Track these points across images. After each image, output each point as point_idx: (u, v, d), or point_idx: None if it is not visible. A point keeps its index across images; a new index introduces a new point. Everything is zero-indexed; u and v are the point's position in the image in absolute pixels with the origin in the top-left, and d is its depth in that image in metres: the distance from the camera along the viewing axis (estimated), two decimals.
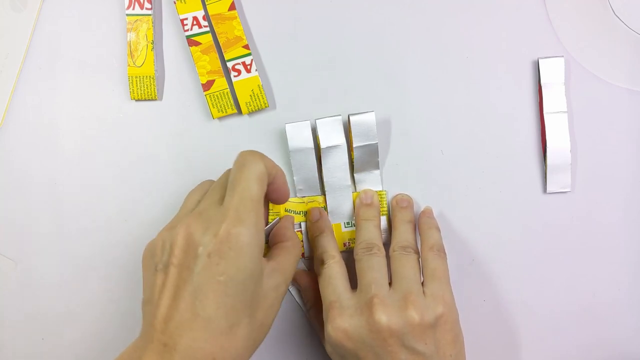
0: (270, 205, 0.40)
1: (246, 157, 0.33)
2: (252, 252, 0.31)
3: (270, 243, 0.37)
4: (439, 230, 0.39)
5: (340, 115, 0.40)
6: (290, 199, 0.40)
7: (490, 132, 0.42)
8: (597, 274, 0.41)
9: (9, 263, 0.41)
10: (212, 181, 0.37)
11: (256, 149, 0.41)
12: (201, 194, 0.35)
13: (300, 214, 0.40)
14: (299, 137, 0.40)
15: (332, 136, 0.40)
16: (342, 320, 0.33)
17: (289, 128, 0.40)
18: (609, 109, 0.42)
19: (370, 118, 0.39)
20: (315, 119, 0.40)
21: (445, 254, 0.37)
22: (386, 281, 0.35)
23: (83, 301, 0.40)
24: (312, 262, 0.39)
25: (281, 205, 0.40)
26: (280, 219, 0.38)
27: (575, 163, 0.42)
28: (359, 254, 0.37)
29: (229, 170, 0.35)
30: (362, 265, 0.36)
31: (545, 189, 0.42)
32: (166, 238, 0.32)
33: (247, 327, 0.31)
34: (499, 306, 0.41)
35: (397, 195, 0.41)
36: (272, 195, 0.35)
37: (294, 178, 0.40)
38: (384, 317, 0.33)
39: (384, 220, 0.41)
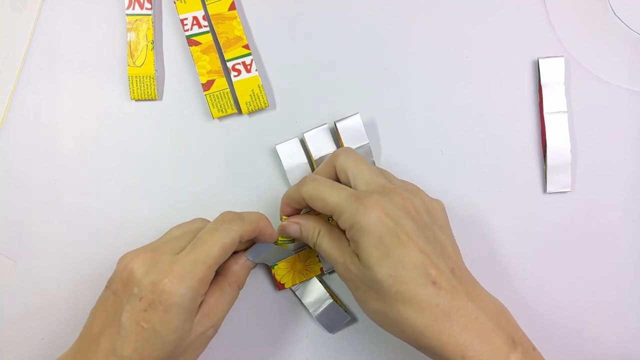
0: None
1: (224, 222, 0.33)
2: (181, 313, 0.31)
3: (222, 268, 0.36)
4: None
5: (326, 123, 0.40)
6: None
7: (490, 132, 0.42)
8: (597, 274, 0.41)
9: (9, 263, 0.41)
10: (205, 221, 0.37)
11: (256, 149, 0.41)
12: (182, 232, 0.35)
13: None
14: (291, 154, 0.40)
15: (322, 146, 0.40)
16: (376, 199, 0.31)
17: (279, 148, 0.40)
18: (609, 109, 0.42)
19: (356, 120, 0.39)
20: (303, 133, 0.40)
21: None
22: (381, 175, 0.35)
23: (83, 301, 0.40)
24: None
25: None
26: (254, 246, 0.36)
27: (575, 163, 0.42)
28: (311, 179, 0.34)
29: (205, 220, 0.36)
30: (353, 170, 0.34)
31: (545, 189, 0.42)
32: (126, 259, 0.33)
33: None
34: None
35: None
36: (259, 241, 0.36)
37: None
38: (409, 197, 0.33)
39: None
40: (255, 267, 0.38)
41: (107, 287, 0.33)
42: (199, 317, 0.33)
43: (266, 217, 0.36)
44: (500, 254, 0.41)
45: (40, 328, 0.40)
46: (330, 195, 0.33)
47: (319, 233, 0.35)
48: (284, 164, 0.40)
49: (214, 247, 0.32)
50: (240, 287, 0.36)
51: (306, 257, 0.40)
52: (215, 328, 0.34)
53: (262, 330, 0.41)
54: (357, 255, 0.32)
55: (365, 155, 0.40)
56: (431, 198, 0.35)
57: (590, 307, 0.41)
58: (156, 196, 0.41)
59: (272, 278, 0.40)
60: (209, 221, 0.36)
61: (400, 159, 0.42)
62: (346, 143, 0.39)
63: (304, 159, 0.40)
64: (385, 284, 0.30)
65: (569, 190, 0.41)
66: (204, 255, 0.32)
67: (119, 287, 0.32)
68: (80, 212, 0.41)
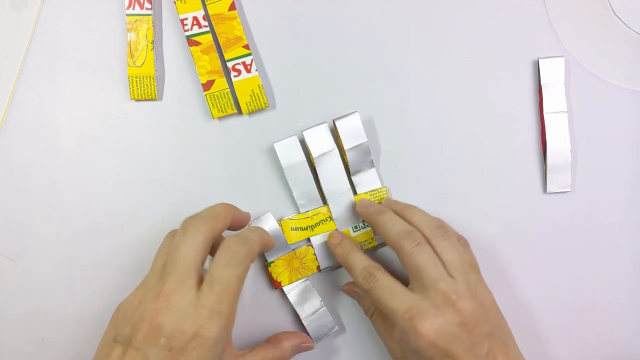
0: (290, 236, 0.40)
1: (230, 254, 0.32)
2: (216, 351, 0.31)
3: (275, 339, 0.37)
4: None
5: (325, 122, 0.40)
6: (293, 216, 0.40)
7: (490, 132, 0.42)
8: (597, 274, 0.41)
9: (9, 263, 0.41)
10: (173, 233, 0.35)
11: (256, 149, 0.41)
12: (165, 255, 0.33)
13: (307, 229, 0.40)
14: (289, 153, 0.40)
15: (322, 144, 0.40)
16: (430, 322, 0.32)
17: (277, 147, 0.40)
18: (609, 109, 0.42)
19: (355, 119, 0.39)
20: (302, 131, 0.40)
21: (468, 243, 0.37)
22: (445, 271, 0.34)
23: (83, 301, 0.40)
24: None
25: (287, 225, 0.40)
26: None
27: (575, 163, 0.42)
28: (406, 247, 0.34)
29: (173, 233, 0.35)
30: (418, 262, 0.34)
31: (545, 189, 0.42)
32: (134, 307, 0.31)
33: None
34: (499, 306, 0.41)
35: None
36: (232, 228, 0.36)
37: (293, 194, 0.40)
38: (468, 307, 0.33)
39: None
40: (301, 351, 0.38)
41: (117, 341, 0.31)
42: None
43: (262, 229, 0.36)
44: (500, 253, 0.41)
45: (40, 328, 0.40)
46: (388, 301, 0.34)
47: (374, 312, 0.38)
48: (281, 162, 0.40)
49: (232, 282, 0.32)
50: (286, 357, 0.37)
51: (303, 254, 0.40)
52: None
53: (262, 330, 0.41)
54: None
55: (364, 153, 0.40)
56: (485, 290, 0.35)
57: (590, 307, 0.41)
58: (156, 196, 0.41)
59: (269, 277, 0.40)
60: (176, 231, 0.35)
61: (400, 159, 0.42)
62: (345, 141, 0.39)
63: (302, 157, 0.40)
64: None
65: (569, 190, 0.41)
66: (227, 292, 0.31)
67: (141, 341, 0.30)
68: (80, 212, 0.41)
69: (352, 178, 0.41)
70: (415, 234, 0.35)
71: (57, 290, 0.41)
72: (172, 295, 0.31)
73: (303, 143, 0.40)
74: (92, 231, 0.41)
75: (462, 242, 0.37)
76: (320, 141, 0.40)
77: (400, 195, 0.42)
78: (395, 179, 0.42)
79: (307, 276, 0.40)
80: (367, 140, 0.39)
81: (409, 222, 0.37)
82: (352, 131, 0.39)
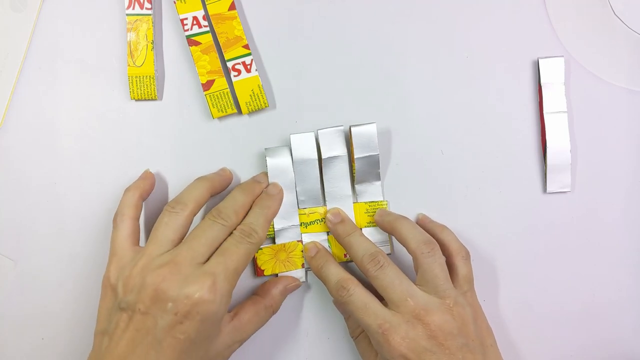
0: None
1: (244, 235, 0.35)
2: (216, 320, 0.33)
3: (262, 290, 0.39)
4: (450, 230, 0.40)
5: (342, 125, 0.40)
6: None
7: (490, 132, 0.42)
8: (597, 274, 0.41)
9: (9, 263, 0.41)
10: (180, 205, 0.37)
11: (256, 149, 0.41)
12: (175, 232, 0.36)
13: (301, 225, 0.41)
14: (304, 148, 0.40)
15: (333, 146, 0.40)
16: (401, 336, 0.33)
17: (293, 138, 0.40)
18: (609, 109, 0.42)
19: (371, 129, 0.39)
20: (317, 130, 0.40)
21: (469, 255, 0.39)
22: (413, 285, 0.35)
23: (83, 301, 0.40)
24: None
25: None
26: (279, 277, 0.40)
27: (575, 163, 0.42)
28: (370, 270, 0.36)
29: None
30: (382, 283, 0.35)
31: (545, 188, 0.42)
32: (135, 276, 0.33)
33: None
34: (499, 306, 0.41)
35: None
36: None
37: (297, 189, 0.40)
38: (437, 321, 0.34)
39: (370, 230, 0.41)
40: (297, 289, 0.40)
41: (122, 308, 0.33)
42: (230, 329, 0.35)
43: (268, 211, 0.38)
44: (500, 254, 0.41)
45: (40, 328, 0.40)
46: (363, 317, 0.35)
47: (359, 333, 0.39)
48: (293, 154, 0.40)
49: (240, 256, 0.35)
50: (275, 312, 0.39)
51: (291, 249, 0.40)
52: (241, 343, 0.36)
53: (262, 329, 0.41)
54: None
55: (373, 165, 0.40)
56: (468, 300, 0.37)
57: (590, 307, 0.41)
58: (156, 196, 0.41)
59: (254, 262, 0.40)
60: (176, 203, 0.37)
61: (400, 158, 0.42)
62: (357, 150, 0.39)
63: (315, 155, 0.40)
64: None
65: (568, 190, 0.41)
66: (233, 263, 0.34)
67: (148, 305, 0.32)
68: (80, 212, 0.41)
69: (356, 186, 0.41)
70: (379, 257, 0.36)
71: (57, 290, 0.41)
72: (181, 264, 0.33)
73: (316, 141, 0.40)
74: (92, 231, 0.41)
75: (464, 255, 0.38)
76: (332, 143, 0.40)
77: (400, 195, 0.42)
78: (395, 179, 0.42)
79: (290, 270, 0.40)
80: (378, 152, 0.39)
81: (397, 235, 0.38)
82: (366, 141, 0.39)
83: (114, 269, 0.35)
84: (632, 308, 0.41)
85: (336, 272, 0.37)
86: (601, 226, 0.42)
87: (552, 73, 0.41)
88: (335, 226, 0.39)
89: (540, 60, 0.42)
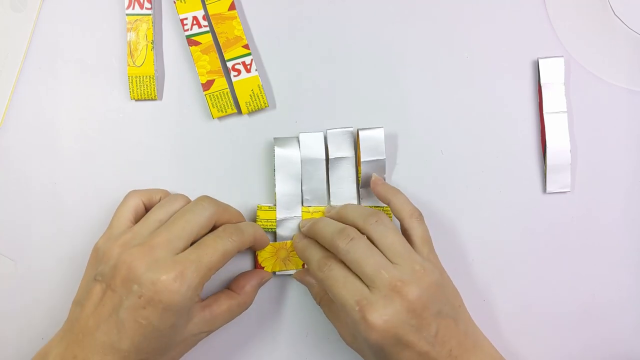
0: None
1: (226, 232, 0.35)
2: (180, 310, 0.32)
3: (235, 285, 0.38)
4: (403, 194, 0.39)
5: (352, 127, 0.40)
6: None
7: (490, 132, 0.42)
8: (597, 274, 0.41)
9: (9, 263, 0.41)
10: (185, 198, 0.37)
11: (256, 149, 0.41)
12: (166, 214, 0.36)
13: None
14: (312, 147, 0.40)
15: (341, 148, 0.40)
16: (379, 313, 0.32)
17: (302, 137, 0.40)
18: (609, 109, 0.42)
19: (379, 134, 0.39)
20: (326, 129, 0.40)
21: (422, 216, 0.37)
22: (385, 258, 0.34)
23: None
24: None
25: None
26: (262, 273, 0.40)
27: (575, 163, 0.42)
28: (340, 245, 0.35)
29: (185, 198, 0.37)
30: (354, 256, 0.34)
31: (545, 189, 0.42)
32: (113, 249, 0.34)
33: None
34: (499, 306, 0.41)
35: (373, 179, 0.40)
36: (254, 249, 0.40)
37: (302, 187, 0.40)
38: (414, 291, 0.33)
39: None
40: (262, 285, 0.40)
41: (97, 280, 0.33)
42: (198, 319, 0.35)
43: (260, 228, 0.38)
44: (500, 254, 0.41)
45: (40, 328, 0.40)
46: (340, 292, 0.34)
47: (322, 298, 0.38)
48: (301, 153, 0.40)
49: (216, 252, 0.34)
50: (246, 307, 0.38)
51: (292, 248, 0.40)
52: (209, 333, 0.36)
53: (262, 329, 0.41)
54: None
55: (379, 170, 0.40)
56: (433, 263, 0.36)
57: (590, 307, 0.41)
58: None
59: (254, 259, 0.40)
60: (189, 199, 0.37)
61: (400, 158, 0.42)
62: (364, 153, 0.39)
63: (323, 155, 0.40)
64: None
65: (568, 190, 0.41)
66: (208, 257, 0.33)
67: (117, 283, 0.32)
68: (80, 212, 0.41)
69: (361, 190, 0.41)
70: (347, 230, 0.35)
71: (57, 290, 0.41)
72: (156, 248, 0.33)
73: (325, 141, 0.41)
74: (92, 231, 0.41)
75: (417, 216, 0.37)
76: (341, 144, 0.40)
77: None
78: (394, 179, 0.42)
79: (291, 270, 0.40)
80: (385, 157, 0.39)
81: (344, 220, 0.37)
82: (373, 145, 0.39)
83: (103, 239, 0.36)
84: (632, 308, 0.41)
85: (320, 251, 0.37)
86: (601, 226, 0.42)
87: (552, 73, 0.41)
88: (304, 233, 0.39)
89: (540, 60, 0.42)
